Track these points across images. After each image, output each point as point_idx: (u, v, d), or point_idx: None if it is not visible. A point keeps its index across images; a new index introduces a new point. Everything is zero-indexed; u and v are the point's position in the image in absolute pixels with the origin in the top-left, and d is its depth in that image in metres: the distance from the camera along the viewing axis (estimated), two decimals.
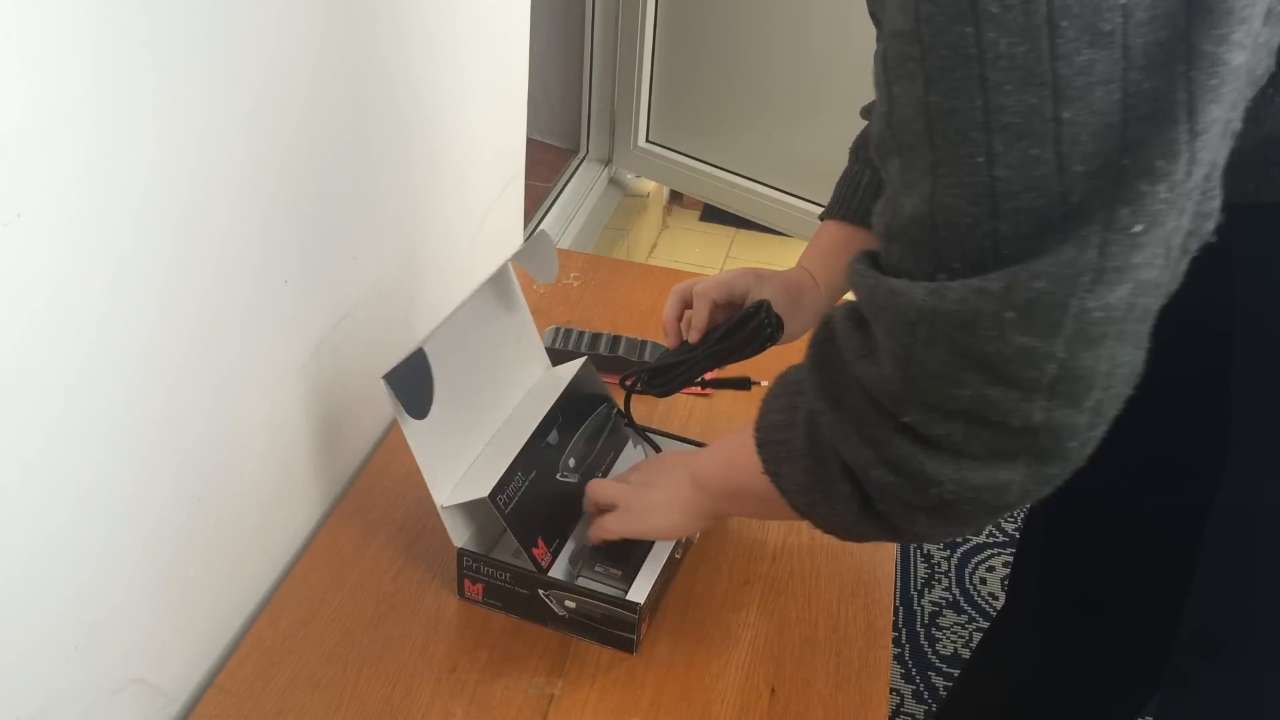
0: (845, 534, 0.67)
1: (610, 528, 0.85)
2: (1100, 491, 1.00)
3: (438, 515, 0.84)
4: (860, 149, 0.95)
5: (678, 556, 0.89)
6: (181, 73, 0.65)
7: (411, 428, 0.82)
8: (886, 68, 0.51)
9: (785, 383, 0.69)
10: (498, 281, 0.93)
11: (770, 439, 0.68)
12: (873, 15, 0.58)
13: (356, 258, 0.94)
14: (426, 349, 0.83)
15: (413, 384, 0.82)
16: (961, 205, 0.49)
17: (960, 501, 0.56)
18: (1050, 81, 0.45)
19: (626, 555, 0.86)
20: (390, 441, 1.04)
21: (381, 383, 0.80)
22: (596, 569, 0.86)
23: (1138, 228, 0.47)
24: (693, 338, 0.91)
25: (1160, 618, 0.92)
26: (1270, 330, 0.71)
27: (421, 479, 0.83)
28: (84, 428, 0.64)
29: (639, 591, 0.83)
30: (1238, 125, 0.50)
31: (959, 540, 1.78)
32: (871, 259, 0.57)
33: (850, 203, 0.92)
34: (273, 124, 0.76)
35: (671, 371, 0.92)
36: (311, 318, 0.88)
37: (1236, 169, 0.60)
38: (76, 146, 0.58)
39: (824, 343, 0.62)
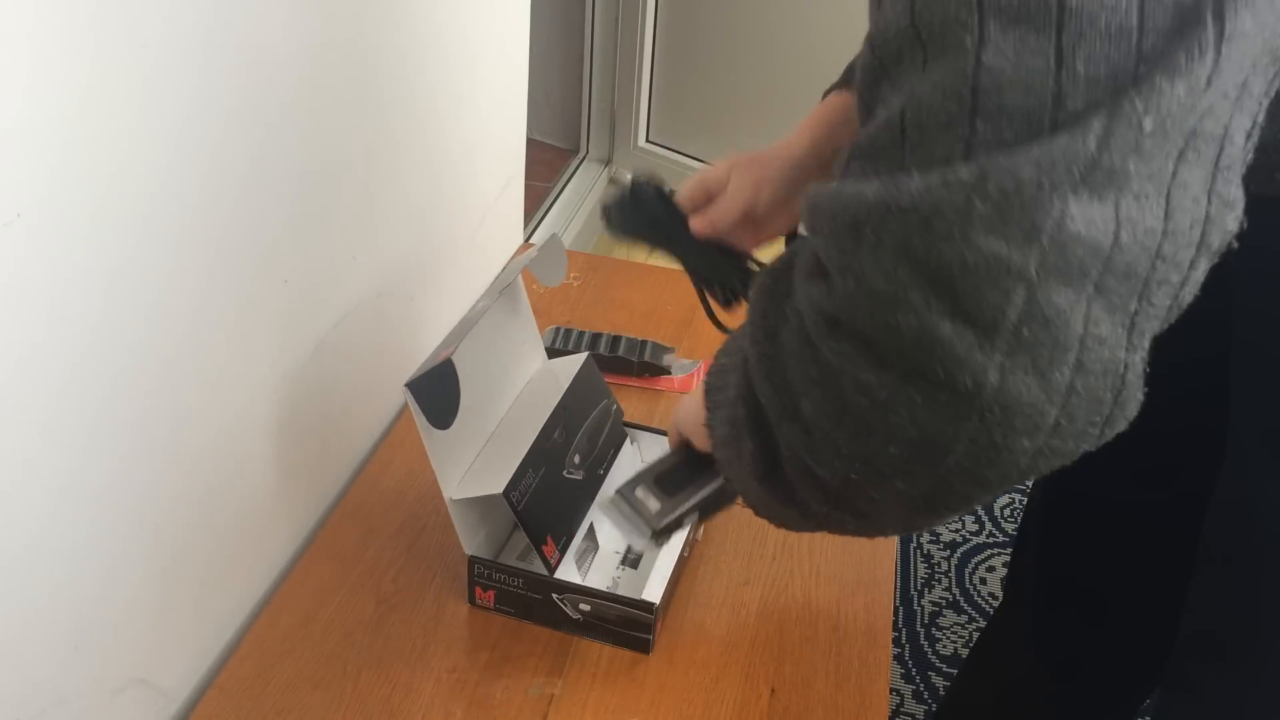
0: (758, 505, 0.59)
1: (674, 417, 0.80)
2: (1096, 489, 1.00)
3: (438, 514, 0.84)
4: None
5: (685, 555, 0.89)
6: (182, 73, 0.65)
7: (432, 435, 0.82)
8: None
9: (744, 320, 0.59)
10: (510, 291, 0.93)
11: (714, 384, 0.61)
12: None
13: (356, 258, 0.94)
14: (455, 360, 0.83)
15: (437, 394, 0.82)
16: (939, 101, 0.41)
17: (867, 486, 0.47)
18: None
19: (677, 490, 0.79)
20: (390, 441, 1.04)
21: (405, 390, 0.79)
22: (637, 492, 0.79)
23: (1147, 123, 0.39)
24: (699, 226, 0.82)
25: (1159, 616, 0.92)
26: (1271, 325, 0.70)
27: (422, 479, 0.84)
28: (84, 428, 0.64)
29: (653, 591, 0.83)
30: (1257, 112, 0.42)
31: (959, 540, 1.78)
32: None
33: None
34: (273, 124, 0.76)
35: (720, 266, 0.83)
36: (311, 318, 0.88)
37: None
38: (76, 146, 0.58)
39: (781, 264, 0.54)
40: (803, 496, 0.52)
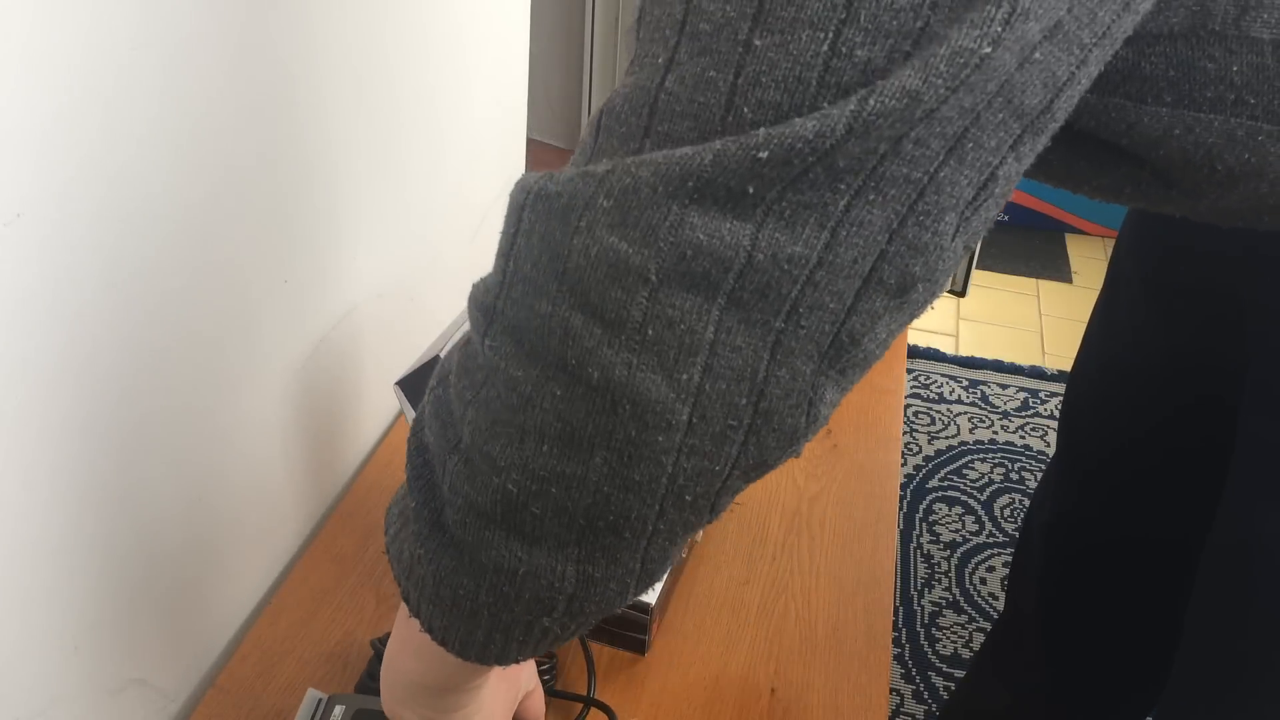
0: (427, 591, 0.50)
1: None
2: (1102, 518, 1.00)
3: None
4: None
5: (684, 556, 0.89)
6: (182, 73, 0.65)
7: None
8: None
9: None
10: None
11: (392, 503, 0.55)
12: None
13: (356, 258, 0.94)
14: (444, 357, 0.83)
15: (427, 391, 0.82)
16: (625, 111, 0.42)
17: (528, 500, 0.45)
18: None
19: None
20: (391, 441, 1.04)
21: (394, 388, 0.80)
22: (336, 710, 0.73)
23: (763, 154, 0.38)
24: None
25: (1164, 638, 0.92)
26: None
27: None
28: (84, 428, 0.64)
29: (650, 592, 0.83)
30: (1008, 168, 0.41)
31: (959, 540, 1.78)
32: None
33: None
34: (273, 123, 0.76)
35: None
36: (311, 318, 0.88)
37: (1226, 214, 0.59)
38: (76, 146, 0.58)
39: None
40: (470, 539, 0.47)
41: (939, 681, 1.53)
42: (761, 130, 0.38)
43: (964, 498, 1.87)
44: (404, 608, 0.56)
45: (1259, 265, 0.69)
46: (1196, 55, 0.47)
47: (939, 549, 1.76)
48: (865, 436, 1.10)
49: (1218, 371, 0.78)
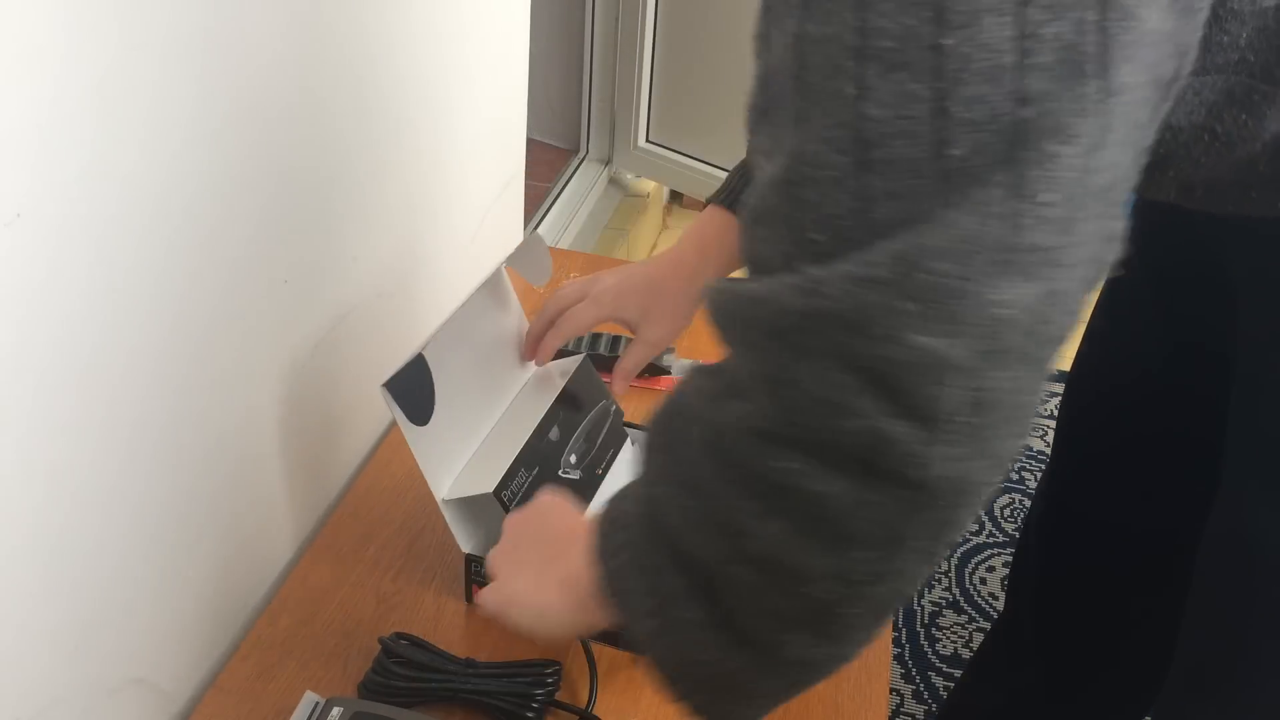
0: (704, 684, 0.51)
1: (485, 605, 0.68)
2: (1103, 511, 1.00)
3: (438, 515, 0.84)
4: None
5: None
6: (182, 73, 0.65)
7: (413, 432, 0.82)
8: (766, 15, 0.44)
9: (635, 484, 0.54)
10: (492, 284, 0.93)
11: (608, 545, 0.54)
12: None
13: (356, 258, 0.94)
14: (426, 354, 0.83)
15: (413, 390, 0.82)
16: (826, 153, 0.40)
17: (841, 603, 0.44)
18: (931, 1, 0.38)
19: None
20: (390, 441, 1.04)
21: (381, 390, 0.79)
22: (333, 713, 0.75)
23: (1050, 196, 0.38)
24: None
25: (1164, 636, 0.92)
26: (1271, 355, 0.70)
27: (421, 479, 0.83)
28: (84, 428, 0.64)
29: None
30: (1147, 140, 0.42)
31: (959, 540, 1.78)
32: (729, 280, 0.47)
33: (737, 191, 0.89)
34: (273, 123, 0.76)
35: None
36: (311, 318, 0.88)
37: (1216, 192, 0.59)
38: (76, 146, 0.58)
39: (667, 407, 0.50)
40: (767, 642, 0.47)
41: (939, 681, 1.53)
42: (1036, 173, 0.38)
43: None
44: (571, 579, 0.59)
45: (1253, 259, 0.69)
46: (1214, 31, 0.50)
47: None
48: None
49: (1213, 364, 0.78)
